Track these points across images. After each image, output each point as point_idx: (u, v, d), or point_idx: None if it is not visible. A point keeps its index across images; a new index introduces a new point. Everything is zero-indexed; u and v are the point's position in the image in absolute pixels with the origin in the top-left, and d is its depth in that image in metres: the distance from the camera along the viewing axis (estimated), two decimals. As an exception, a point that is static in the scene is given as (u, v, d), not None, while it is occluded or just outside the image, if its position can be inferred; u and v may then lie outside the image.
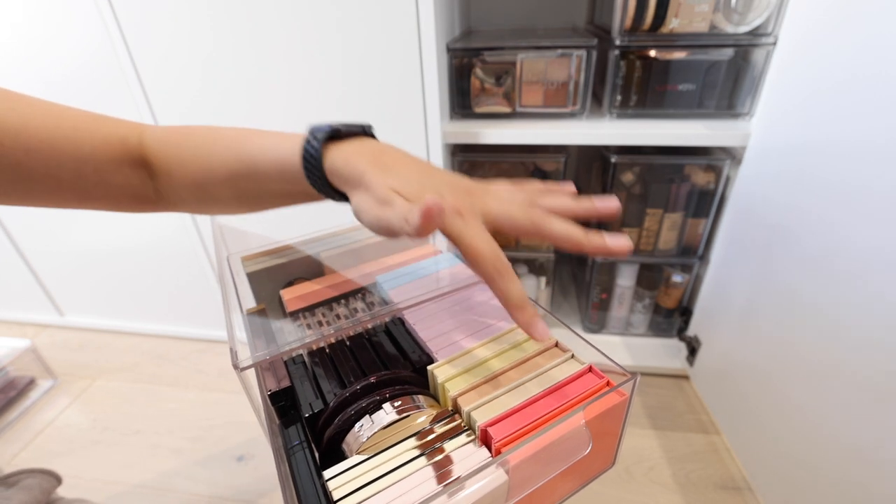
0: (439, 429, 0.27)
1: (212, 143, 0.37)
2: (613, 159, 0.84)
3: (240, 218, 0.49)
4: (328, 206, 0.36)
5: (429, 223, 0.24)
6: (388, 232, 0.29)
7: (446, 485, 0.23)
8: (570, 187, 0.35)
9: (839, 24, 0.57)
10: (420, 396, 0.29)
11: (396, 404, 0.28)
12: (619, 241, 0.29)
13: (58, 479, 0.54)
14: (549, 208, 0.32)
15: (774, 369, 0.70)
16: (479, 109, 0.85)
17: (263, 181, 0.35)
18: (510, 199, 0.31)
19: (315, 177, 0.32)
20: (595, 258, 0.95)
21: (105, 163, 0.36)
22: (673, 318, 1.02)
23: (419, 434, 0.27)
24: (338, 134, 0.32)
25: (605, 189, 0.88)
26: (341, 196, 0.33)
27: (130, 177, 0.38)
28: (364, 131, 0.34)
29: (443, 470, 0.25)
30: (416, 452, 0.26)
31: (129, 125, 0.38)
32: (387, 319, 0.37)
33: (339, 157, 0.31)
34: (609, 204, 0.32)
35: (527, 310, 0.27)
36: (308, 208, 0.38)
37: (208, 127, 0.38)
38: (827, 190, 0.59)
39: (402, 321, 0.37)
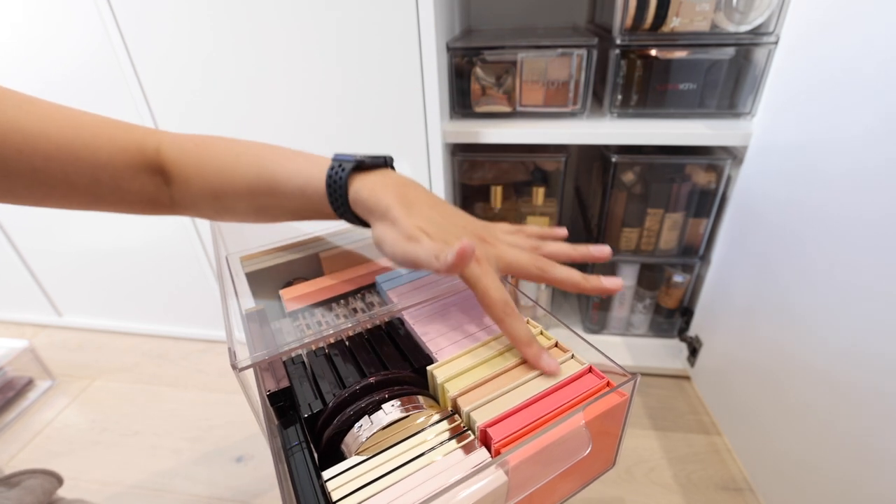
0: (439, 429, 0.27)
1: (234, 157, 0.38)
2: (614, 159, 0.84)
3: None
4: (327, 205, 0.36)
5: (461, 263, 0.28)
6: (412, 265, 0.32)
7: (446, 486, 0.23)
8: (563, 232, 0.39)
9: (841, 22, 0.57)
10: (419, 397, 0.29)
11: (396, 405, 0.28)
12: (612, 282, 0.34)
13: (59, 480, 0.54)
14: (550, 254, 0.35)
15: (776, 370, 0.70)
16: (479, 109, 0.85)
17: (283, 200, 0.37)
18: (518, 245, 0.35)
19: (338, 204, 0.35)
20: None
21: (121, 169, 0.36)
22: (674, 318, 1.02)
23: (418, 434, 0.27)
24: (362, 165, 0.35)
25: (605, 189, 0.88)
26: (360, 222, 0.36)
27: (146, 183, 0.38)
28: (385, 163, 0.37)
29: (442, 471, 0.25)
30: (416, 453, 0.26)
31: (147, 132, 0.39)
32: (386, 319, 0.37)
33: (364, 189, 0.34)
34: (602, 250, 0.36)
35: (533, 346, 0.30)
36: (307, 207, 0.38)
37: (229, 139, 0.40)
38: (828, 189, 0.59)
39: (401, 321, 0.37)
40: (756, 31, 0.72)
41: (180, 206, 0.41)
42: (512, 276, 0.34)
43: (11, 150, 0.32)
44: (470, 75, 0.83)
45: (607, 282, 0.34)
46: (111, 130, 0.36)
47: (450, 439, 0.26)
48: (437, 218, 0.33)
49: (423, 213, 0.33)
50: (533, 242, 0.36)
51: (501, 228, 0.37)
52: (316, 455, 0.28)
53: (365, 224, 0.36)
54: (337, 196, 0.34)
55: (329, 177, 0.34)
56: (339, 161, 0.34)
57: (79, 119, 0.35)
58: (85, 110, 0.36)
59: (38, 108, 0.33)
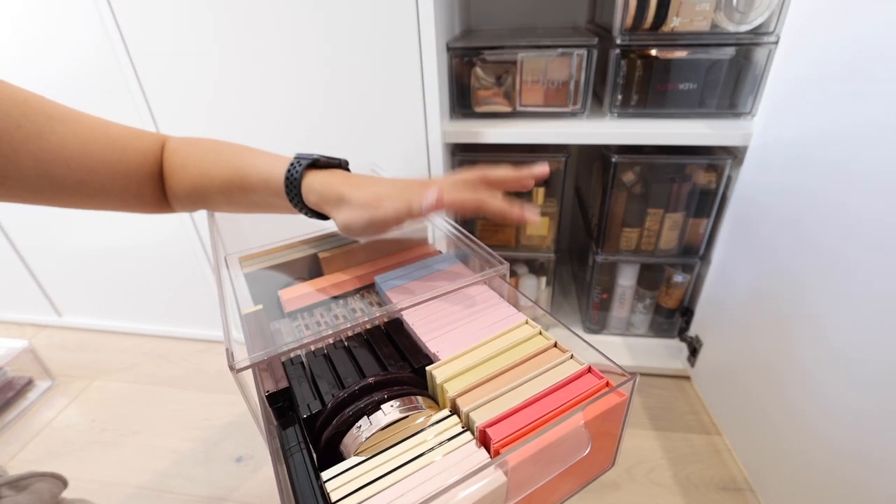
0: (438, 430, 0.27)
1: (215, 155, 0.43)
2: (614, 159, 0.84)
3: (238, 218, 0.49)
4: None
5: (440, 202, 0.33)
6: (379, 228, 0.35)
7: (445, 486, 0.23)
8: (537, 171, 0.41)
9: (842, 22, 0.57)
10: (419, 397, 0.29)
11: (395, 405, 0.28)
12: (532, 213, 0.35)
13: (64, 483, 0.54)
14: (495, 180, 0.38)
15: (776, 369, 0.70)
16: (479, 109, 0.85)
17: (251, 193, 0.41)
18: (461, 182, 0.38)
19: (293, 194, 0.38)
20: (596, 257, 0.95)
21: (144, 175, 0.42)
22: (674, 318, 1.02)
23: (418, 435, 0.27)
24: (317, 163, 0.39)
25: (606, 189, 0.88)
26: (316, 214, 0.39)
27: (158, 184, 0.43)
28: (340, 164, 0.41)
29: (441, 471, 0.24)
30: (415, 453, 0.25)
31: (156, 137, 0.43)
32: (385, 320, 0.37)
33: (315, 181, 0.37)
34: (542, 170, 0.38)
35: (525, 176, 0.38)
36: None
37: (215, 141, 0.44)
38: (829, 190, 0.59)
39: (400, 321, 0.37)
40: (756, 31, 0.72)
41: (168, 203, 0.45)
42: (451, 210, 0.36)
43: (61, 167, 0.35)
44: (470, 75, 0.83)
45: (528, 212, 0.36)
46: (134, 141, 0.41)
47: (449, 440, 0.26)
48: (384, 183, 0.37)
49: (372, 184, 0.36)
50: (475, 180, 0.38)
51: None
52: (315, 456, 0.28)
53: (321, 216, 0.39)
54: (292, 189, 0.38)
55: (287, 171, 0.38)
56: (298, 159, 0.38)
57: (111, 132, 0.39)
58: (110, 120, 0.39)
59: (80, 123, 0.37)
